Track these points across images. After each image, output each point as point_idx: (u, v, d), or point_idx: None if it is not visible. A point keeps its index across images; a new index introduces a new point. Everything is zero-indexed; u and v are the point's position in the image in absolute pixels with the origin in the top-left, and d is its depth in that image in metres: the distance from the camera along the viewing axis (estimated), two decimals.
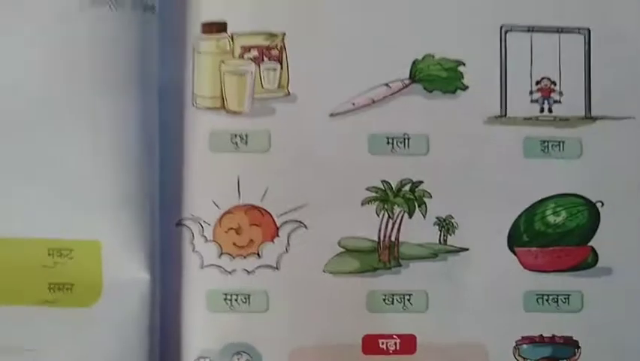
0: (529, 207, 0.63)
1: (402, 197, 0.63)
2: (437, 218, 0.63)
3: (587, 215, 0.63)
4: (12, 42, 0.59)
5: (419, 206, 0.63)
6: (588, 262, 0.63)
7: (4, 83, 0.59)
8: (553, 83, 0.64)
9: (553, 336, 0.63)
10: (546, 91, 0.64)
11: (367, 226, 0.62)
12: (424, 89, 0.63)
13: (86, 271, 0.59)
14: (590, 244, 0.63)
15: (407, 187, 0.63)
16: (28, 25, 0.59)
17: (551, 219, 0.63)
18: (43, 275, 0.59)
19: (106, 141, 0.58)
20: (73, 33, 0.59)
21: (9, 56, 0.59)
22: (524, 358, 0.63)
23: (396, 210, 0.63)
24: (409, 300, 0.63)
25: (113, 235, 0.59)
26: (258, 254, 0.62)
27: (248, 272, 0.62)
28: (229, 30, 0.62)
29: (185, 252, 0.62)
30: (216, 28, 0.62)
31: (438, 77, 0.63)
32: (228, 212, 0.62)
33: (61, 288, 0.59)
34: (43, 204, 0.59)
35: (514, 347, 0.63)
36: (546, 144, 0.63)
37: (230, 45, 0.63)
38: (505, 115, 0.63)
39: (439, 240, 0.63)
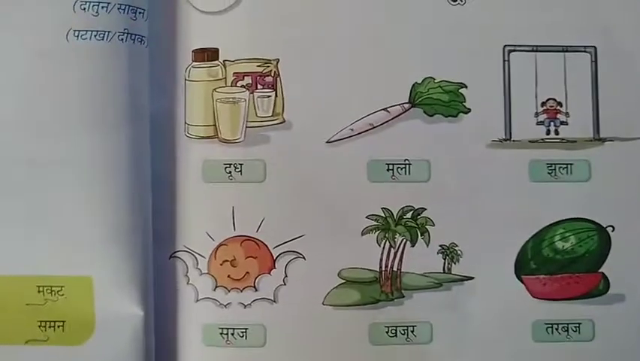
0: (537, 232, 0.61)
1: (404, 225, 0.60)
2: (441, 246, 0.60)
3: (598, 240, 0.61)
4: None
5: (422, 234, 0.60)
6: (599, 289, 0.61)
7: None
8: (560, 103, 0.61)
9: None
10: (552, 112, 0.61)
11: (368, 255, 0.60)
12: (425, 113, 0.61)
13: (77, 307, 0.57)
14: (600, 270, 0.61)
15: (409, 215, 0.60)
16: (11, 59, 0.57)
17: (560, 245, 0.61)
18: (33, 313, 0.57)
19: (95, 175, 0.56)
20: (59, 67, 0.57)
21: None
22: None
23: (398, 238, 0.60)
24: (412, 332, 0.60)
25: (104, 269, 0.56)
26: (255, 287, 0.60)
27: (244, 305, 0.59)
28: (221, 57, 0.60)
29: (179, 285, 0.59)
30: (208, 55, 0.60)
31: (439, 101, 0.60)
32: (223, 244, 0.59)
33: (52, 325, 0.57)
34: (32, 240, 0.57)
35: None
36: (553, 167, 0.61)
37: (222, 72, 0.60)
38: (510, 138, 0.61)
39: (443, 269, 0.60)
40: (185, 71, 0.60)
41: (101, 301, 0.56)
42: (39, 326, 0.57)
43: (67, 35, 0.57)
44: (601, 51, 0.61)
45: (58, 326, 0.57)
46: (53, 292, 0.57)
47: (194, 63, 0.60)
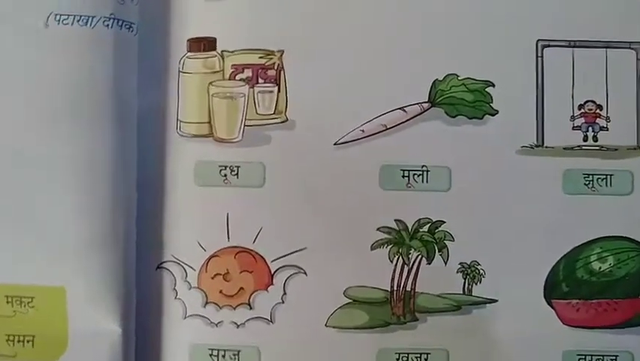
0: (570, 251, 0.52)
1: (419, 239, 0.52)
2: (461, 264, 0.52)
3: (639, 262, 0.53)
4: None
5: (439, 250, 0.52)
6: None
7: None
8: (599, 106, 0.53)
9: None
10: (590, 116, 0.53)
11: (378, 273, 0.52)
12: (446, 114, 0.52)
13: (48, 321, 0.49)
14: None
15: (426, 228, 0.52)
16: None
17: (596, 266, 0.52)
18: (1, 326, 0.49)
19: (74, 176, 0.49)
20: (36, 56, 0.49)
21: None
22: None
23: (413, 254, 0.52)
24: (426, 360, 0.51)
25: (79, 280, 0.49)
26: (250, 305, 0.51)
27: (237, 325, 0.51)
28: (219, 47, 0.53)
29: (165, 300, 0.52)
30: (204, 44, 0.52)
31: (462, 101, 0.52)
32: (215, 255, 0.51)
33: (21, 340, 0.49)
34: (0, 246, 0.49)
35: None
36: (590, 177, 0.52)
37: (220, 64, 0.53)
38: (542, 144, 0.52)
39: (463, 290, 0.52)
40: (179, 62, 0.53)
41: (75, 315, 0.49)
42: (7, 340, 0.49)
43: (47, 19, 0.49)
44: None
45: (28, 341, 0.49)
46: (23, 304, 0.49)
47: (189, 53, 0.53)
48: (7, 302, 0.49)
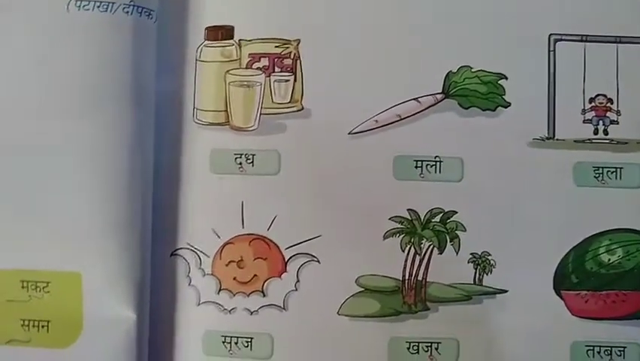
0: (580, 243, 0.51)
1: (431, 229, 0.51)
2: (472, 255, 0.51)
3: None
4: None
5: (451, 240, 0.51)
6: None
7: None
8: (610, 100, 0.52)
9: None
10: (601, 110, 0.52)
11: (390, 262, 0.51)
12: (459, 105, 0.52)
13: (64, 306, 0.48)
14: None
15: (438, 218, 0.51)
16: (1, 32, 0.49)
17: (605, 258, 0.52)
18: (16, 310, 0.48)
19: (91, 162, 0.48)
20: (56, 41, 0.48)
21: None
22: None
23: (425, 244, 0.51)
24: (437, 349, 0.51)
25: (95, 265, 0.48)
26: (263, 292, 0.51)
27: (250, 312, 0.51)
28: (236, 36, 0.52)
29: (179, 286, 0.51)
30: (222, 33, 0.52)
31: (476, 92, 0.51)
32: (230, 242, 0.51)
33: (36, 325, 0.48)
34: (17, 230, 0.48)
35: None
36: (600, 170, 0.52)
37: (237, 53, 0.52)
38: (554, 137, 0.52)
39: (474, 280, 0.51)
40: (197, 50, 0.52)
41: (90, 301, 0.48)
42: (22, 325, 0.48)
43: (67, 5, 0.48)
44: None
45: (43, 326, 0.48)
46: (38, 289, 0.48)
47: (207, 42, 0.52)
48: (23, 287, 0.48)
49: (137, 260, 0.49)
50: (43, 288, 0.48)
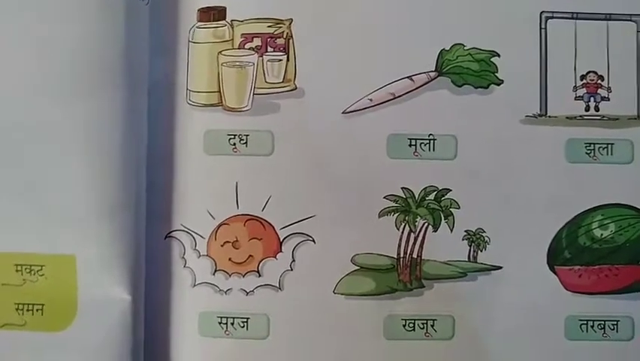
0: (573, 219, 0.49)
1: (426, 207, 0.48)
2: (466, 232, 0.48)
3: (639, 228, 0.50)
4: None
5: (445, 218, 0.48)
6: None
7: None
8: (601, 77, 0.49)
9: None
10: (592, 87, 0.49)
11: (385, 240, 0.48)
12: (453, 83, 0.49)
13: (58, 289, 0.45)
14: None
15: (432, 196, 0.48)
16: None
17: (598, 233, 0.49)
18: (10, 294, 0.45)
19: (84, 144, 0.44)
20: (46, 21, 0.45)
21: None
22: None
23: (419, 222, 0.48)
24: (432, 326, 0.48)
25: (89, 248, 0.45)
26: (258, 272, 0.48)
27: (246, 292, 0.48)
28: (228, 16, 0.48)
29: (175, 268, 0.48)
30: (214, 14, 0.48)
31: (469, 70, 0.49)
32: (225, 223, 0.48)
33: (31, 309, 0.45)
34: (11, 213, 0.45)
35: None
36: (592, 146, 0.49)
37: (229, 33, 0.48)
38: (546, 114, 0.49)
39: (468, 257, 0.48)
40: (189, 31, 0.48)
41: (84, 283, 0.45)
42: (16, 309, 0.45)
43: None
44: None
45: (37, 310, 0.45)
46: (33, 272, 0.45)
47: (199, 23, 0.48)
48: (17, 271, 0.45)
49: (132, 242, 0.45)
50: (38, 271, 0.45)
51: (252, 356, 0.48)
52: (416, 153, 0.49)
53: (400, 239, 0.48)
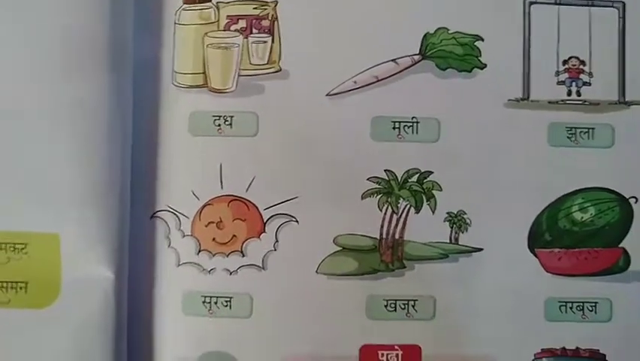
0: (553, 202, 0.49)
1: (408, 189, 0.48)
2: (448, 214, 0.48)
3: (619, 212, 0.49)
4: None
5: (427, 200, 0.48)
6: (619, 265, 0.49)
7: None
8: (583, 62, 0.49)
9: (578, 349, 0.49)
10: (574, 72, 0.49)
11: (368, 221, 0.48)
12: (437, 66, 0.49)
13: (42, 267, 0.45)
14: (621, 245, 0.49)
15: (414, 178, 0.48)
16: None
17: (578, 216, 0.49)
18: None
19: (69, 125, 0.44)
20: (31, 4, 0.44)
21: None
22: None
23: (402, 204, 0.48)
24: (413, 306, 0.48)
25: (73, 227, 0.45)
26: (242, 252, 0.48)
27: (230, 272, 0.48)
28: None
29: (159, 248, 0.48)
30: None
31: (452, 54, 0.48)
32: (209, 204, 0.48)
33: (14, 287, 0.45)
34: None
35: None
36: (573, 131, 0.49)
37: (215, 15, 0.48)
38: (528, 98, 0.49)
39: (450, 238, 0.48)
40: (175, 13, 0.48)
41: (68, 262, 0.45)
42: (0, 287, 0.45)
43: None
44: (630, 6, 0.49)
45: (21, 288, 0.45)
46: (17, 250, 0.45)
47: (185, 5, 0.48)
48: (1, 249, 0.45)
49: (116, 222, 0.45)
50: (22, 250, 0.45)
51: (235, 335, 0.48)
52: (399, 136, 0.49)
53: (383, 220, 0.49)
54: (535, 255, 0.49)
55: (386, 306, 0.49)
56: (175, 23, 0.49)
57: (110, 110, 0.46)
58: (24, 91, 0.45)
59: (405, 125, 0.49)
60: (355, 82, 0.48)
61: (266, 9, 0.49)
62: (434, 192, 0.49)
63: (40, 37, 0.45)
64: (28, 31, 0.45)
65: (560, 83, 0.50)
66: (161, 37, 0.49)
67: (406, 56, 0.49)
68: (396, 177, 0.49)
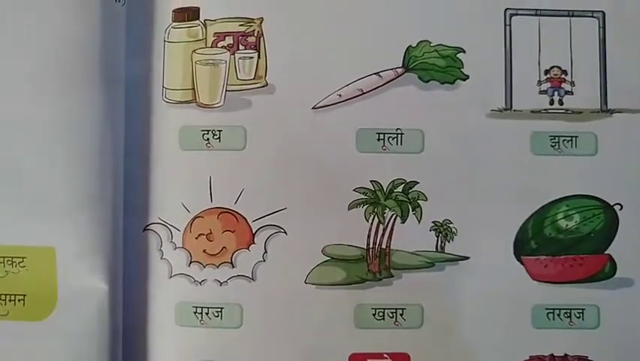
0: (538, 210, 0.49)
1: (394, 199, 0.49)
2: (434, 223, 0.49)
3: (604, 219, 0.49)
4: None
5: (413, 209, 0.49)
6: (605, 272, 0.49)
7: None
8: (564, 72, 0.50)
9: (566, 356, 0.49)
10: (556, 81, 0.50)
11: (355, 231, 0.49)
12: (419, 79, 0.49)
13: (39, 280, 0.46)
14: (607, 251, 0.49)
15: (400, 188, 0.49)
16: None
17: (563, 223, 0.49)
18: None
19: (63, 140, 0.46)
20: (23, 21, 0.46)
21: None
22: None
23: (388, 214, 0.49)
24: (401, 315, 0.48)
25: (68, 240, 0.46)
26: (232, 263, 0.48)
27: (220, 283, 0.48)
28: (202, 16, 0.49)
29: (152, 260, 0.48)
30: (188, 14, 0.49)
31: (435, 66, 0.49)
32: (199, 216, 0.48)
33: (13, 299, 0.46)
34: None
35: None
36: (557, 139, 0.49)
37: (202, 33, 0.49)
38: (511, 108, 0.49)
39: (436, 247, 0.49)
40: (165, 31, 0.49)
41: (64, 275, 0.46)
42: None
43: None
44: (610, 16, 0.50)
45: (19, 300, 0.46)
46: (14, 264, 0.46)
47: (174, 23, 0.49)
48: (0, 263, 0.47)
49: (109, 235, 0.46)
50: (19, 263, 0.46)
51: (226, 344, 0.48)
52: (384, 147, 0.49)
53: (370, 230, 0.49)
54: (522, 262, 0.50)
55: (374, 315, 0.49)
56: (165, 41, 0.50)
57: (103, 126, 0.47)
58: (19, 105, 0.46)
59: (389, 137, 0.49)
60: (340, 95, 0.49)
61: (252, 26, 0.50)
62: (420, 201, 0.49)
63: (35, 53, 0.46)
64: (23, 48, 0.46)
65: (542, 92, 0.50)
66: (152, 54, 0.50)
67: (389, 69, 0.49)
68: (382, 187, 0.49)
